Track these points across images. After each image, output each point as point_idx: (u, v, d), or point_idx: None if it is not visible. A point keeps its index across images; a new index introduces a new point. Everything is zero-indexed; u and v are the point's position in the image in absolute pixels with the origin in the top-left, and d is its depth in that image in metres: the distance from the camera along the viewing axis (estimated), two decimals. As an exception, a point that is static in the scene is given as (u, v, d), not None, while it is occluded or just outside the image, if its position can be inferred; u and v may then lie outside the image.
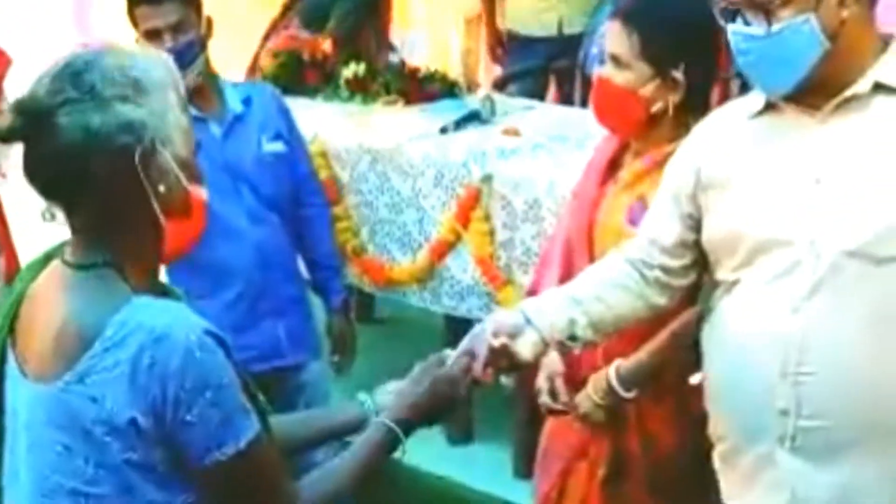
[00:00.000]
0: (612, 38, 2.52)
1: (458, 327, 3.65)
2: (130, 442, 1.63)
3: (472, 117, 4.19)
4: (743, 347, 2.10)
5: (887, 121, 2.00)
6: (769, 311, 2.06)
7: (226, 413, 1.65)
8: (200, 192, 1.79)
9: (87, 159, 1.66)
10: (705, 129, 2.27)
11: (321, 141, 4.15)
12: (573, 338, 2.28)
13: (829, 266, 1.99)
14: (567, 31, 5.47)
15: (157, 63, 1.77)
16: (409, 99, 4.51)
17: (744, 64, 2.07)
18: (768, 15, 1.97)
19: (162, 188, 1.71)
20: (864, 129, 2.01)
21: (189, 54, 3.16)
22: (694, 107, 2.47)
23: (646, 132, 2.54)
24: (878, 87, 2.01)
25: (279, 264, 3.39)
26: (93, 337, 1.64)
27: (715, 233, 2.17)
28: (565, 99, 5.41)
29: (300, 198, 3.50)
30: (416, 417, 2.00)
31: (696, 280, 2.33)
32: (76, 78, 1.67)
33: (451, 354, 2.12)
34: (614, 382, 2.50)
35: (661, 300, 2.32)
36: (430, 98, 4.54)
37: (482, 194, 3.79)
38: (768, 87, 2.09)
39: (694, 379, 2.41)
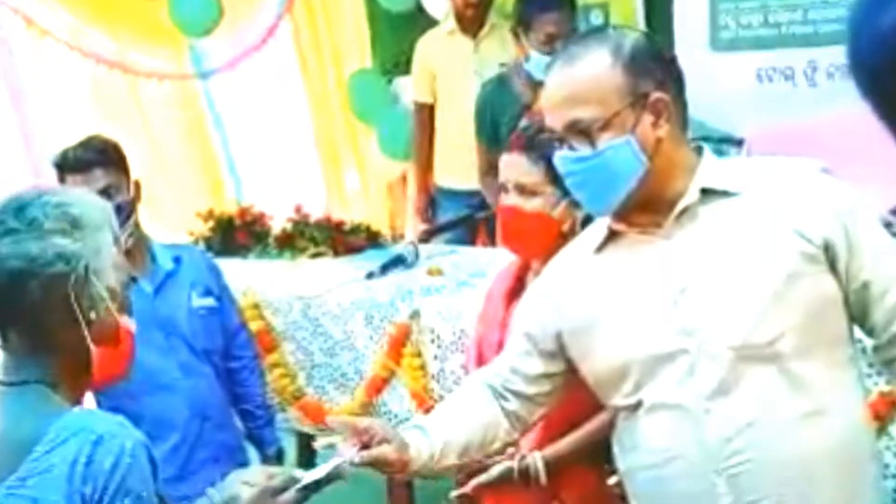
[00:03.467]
0: (516, 169, 2.57)
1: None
2: None
3: (397, 262, 4.14)
4: (666, 460, 2.06)
5: (722, 221, 2.03)
6: (680, 419, 2.03)
7: None
8: (129, 323, 1.82)
9: (24, 284, 1.70)
10: (556, 273, 2.25)
11: (253, 292, 4.10)
12: None
13: (723, 363, 1.98)
14: None
15: (94, 205, 1.86)
16: (336, 250, 4.48)
17: (572, 185, 2.09)
18: (590, 139, 1.99)
19: (93, 315, 1.75)
20: (707, 234, 2.03)
21: (119, 218, 3.13)
22: (589, 222, 2.48)
23: (551, 252, 2.54)
24: (705, 193, 2.03)
25: (214, 414, 3.30)
26: (33, 442, 1.65)
27: (601, 369, 2.14)
28: (493, 244, 5.44)
29: (231, 351, 3.43)
30: None
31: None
32: (19, 212, 1.73)
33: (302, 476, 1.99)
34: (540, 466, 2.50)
35: (513, 435, 2.28)
36: (357, 249, 4.51)
37: (411, 330, 3.74)
38: (596, 205, 2.11)
39: (611, 480, 2.40)
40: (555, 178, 2.48)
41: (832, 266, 2.01)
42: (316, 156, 6.97)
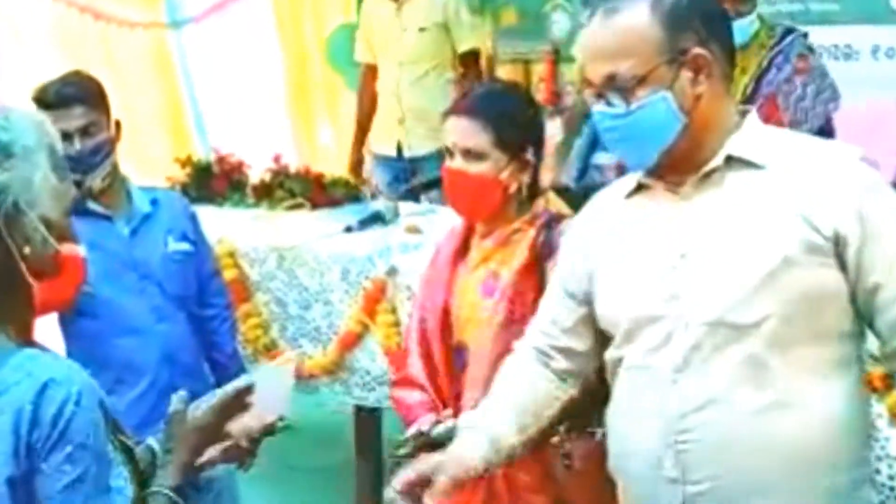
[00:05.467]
0: (462, 133, 2.56)
1: (363, 431, 3.76)
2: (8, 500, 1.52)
3: (376, 218, 4.08)
4: (630, 422, 2.05)
5: (739, 192, 1.97)
6: (648, 385, 2.00)
7: (78, 475, 1.54)
8: (74, 250, 1.71)
9: None
10: (590, 212, 2.22)
11: (229, 242, 4.00)
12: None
13: (695, 337, 1.94)
14: (407, 154, 5.41)
15: (28, 127, 1.67)
16: (314, 203, 4.39)
17: (609, 141, 2.05)
18: (626, 95, 1.95)
19: (27, 250, 1.64)
20: (722, 203, 1.98)
21: (97, 157, 3.03)
22: (533, 183, 2.56)
23: (497, 214, 2.58)
24: (731, 160, 1.98)
25: (185, 361, 3.22)
26: None
27: (601, 314, 2.12)
28: None
29: (204, 298, 3.35)
30: (183, 476, 1.86)
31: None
32: None
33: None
34: None
35: (569, 392, 2.24)
36: (335, 203, 4.43)
37: (387, 287, 3.68)
38: (633, 161, 2.08)
39: (554, 440, 2.41)
40: (504, 143, 2.54)
41: (841, 259, 1.92)
42: (288, 110, 6.87)
